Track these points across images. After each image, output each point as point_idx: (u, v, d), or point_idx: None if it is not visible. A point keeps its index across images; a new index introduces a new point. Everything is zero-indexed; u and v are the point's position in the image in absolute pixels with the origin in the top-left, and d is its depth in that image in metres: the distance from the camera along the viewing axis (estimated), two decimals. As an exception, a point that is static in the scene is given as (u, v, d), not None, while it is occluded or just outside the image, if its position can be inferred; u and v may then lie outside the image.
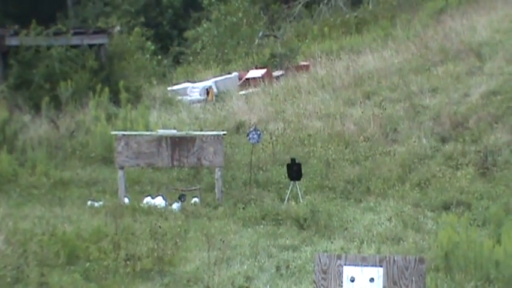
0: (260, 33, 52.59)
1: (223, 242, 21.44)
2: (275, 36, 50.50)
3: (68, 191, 26.83)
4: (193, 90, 42.21)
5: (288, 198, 24.39)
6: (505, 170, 26.23)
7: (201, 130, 29.38)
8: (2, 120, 31.19)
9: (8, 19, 47.88)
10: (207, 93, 41.59)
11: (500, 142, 28.55)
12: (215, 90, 42.01)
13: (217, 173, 25.86)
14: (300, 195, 24.48)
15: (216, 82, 43.33)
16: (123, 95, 37.33)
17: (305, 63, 43.54)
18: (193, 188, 26.29)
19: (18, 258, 18.51)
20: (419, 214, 23.30)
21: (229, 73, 45.55)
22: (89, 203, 25.24)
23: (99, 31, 47.56)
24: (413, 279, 12.06)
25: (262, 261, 19.73)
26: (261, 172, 27.43)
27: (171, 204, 25.14)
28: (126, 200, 25.26)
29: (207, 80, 44.71)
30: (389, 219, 22.82)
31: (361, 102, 35.00)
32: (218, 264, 19.70)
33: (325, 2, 54.09)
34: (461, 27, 39.88)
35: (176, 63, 53.20)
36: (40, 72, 40.37)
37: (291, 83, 39.74)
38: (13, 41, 42.64)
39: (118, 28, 48.08)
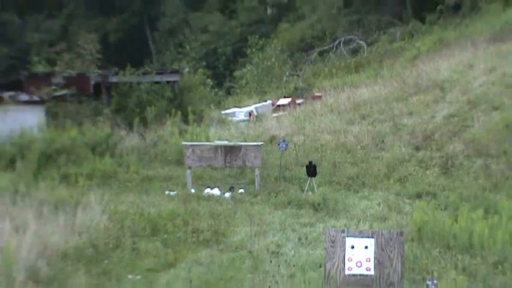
0: (287, 73, 52.62)
1: (261, 220, 21.45)
2: (297, 75, 50.39)
3: (151, 184, 26.89)
4: (240, 113, 42.38)
5: (307, 189, 24.34)
6: (460, 170, 26.22)
7: (245, 141, 29.45)
8: (106, 134, 31.58)
9: (110, 64, 47.81)
10: (250, 115, 41.71)
11: (457, 150, 28.52)
12: (255, 113, 42.11)
13: (257, 172, 25.91)
14: (315, 187, 24.42)
15: (256, 107, 43.43)
16: (191, 117, 37.44)
17: (318, 94, 43.58)
18: (240, 182, 26.36)
19: (117, 231, 18.54)
20: (400, 201, 23.23)
21: (265, 101, 45.71)
22: (167, 192, 25.37)
23: (174, 71, 47.57)
24: (396, 246, 12.06)
25: (288, 234, 19.66)
26: (287, 171, 27.49)
27: (224, 194, 25.17)
28: (193, 190, 25.32)
29: (250, 106, 44.80)
30: (379, 205, 22.77)
31: (358, 122, 35.11)
32: (257, 236, 19.65)
33: (333, 51, 53.91)
34: (429, 69, 39.88)
35: (228, 94, 53.22)
36: (133, 100, 40.59)
37: (309, 108, 39.87)
38: (114, 79, 42.98)
39: (187, 69, 48.30)
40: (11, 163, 25.75)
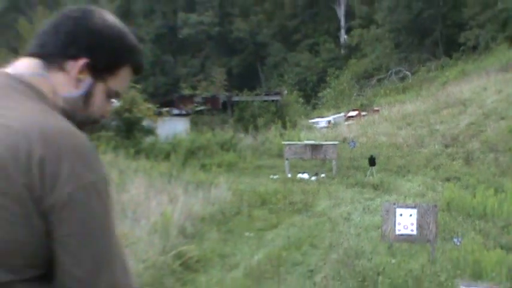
0: (355, 94, 52.45)
1: (336, 196, 21.50)
2: (362, 95, 50.14)
3: (261, 170, 26.97)
4: (321, 122, 42.34)
5: (368, 175, 24.26)
6: (477, 162, 26.13)
7: (325, 141, 29.31)
8: (230, 136, 31.94)
9: (233, 88, 48.15)
10: (328, 123, 41.64)
11: (475, 148, 28.43)
12: (332, 122, 42.03)
13: (333, 162, 25.83)
14: (374, 173, 24.31)
15: (333, 118, 43.35)
16: (288, 124, 37.58)
17: (377, 108, 43.28)
18: (322, 169, 26.33)
19: (238, 202, 18.63)
20: (434, 183, 23.04)
21: (339, 113, 45.63)
22: (271, 176, 25.22)
23: (276, 93, 47.79)
24: (432, 215, 12.01)
25: (356, 205, 19.62)
26: (355, 162, 27.40)
27: (311, 177, 25.08)
28: (289, 175, 25.22)
29: (328, 117, 44.76)
30: (419, 185, 22.62)
31: (404, 128, 34.92)
32: (334, 206, 19.67)
33: (387, 78, 53.54)
34: (455, 91, 39.53)
35: (313, 108, 53.13)
36: (248, 113, 40.86)
37: (370, 118, 39.71)
38: (235, 98, 43.43)
39: (285, 92, 48.48)
40: (167, 156, 26.20)
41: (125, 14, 64.92)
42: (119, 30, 2.12)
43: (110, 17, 2.14)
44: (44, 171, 1.79)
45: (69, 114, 2.00)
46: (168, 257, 12.13)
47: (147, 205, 14.54)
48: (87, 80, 2.06)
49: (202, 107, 40.87)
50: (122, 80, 2.13)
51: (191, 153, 27.27)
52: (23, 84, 1.98)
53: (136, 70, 2.18)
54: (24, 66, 2.05)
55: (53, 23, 2.08)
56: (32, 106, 1.91)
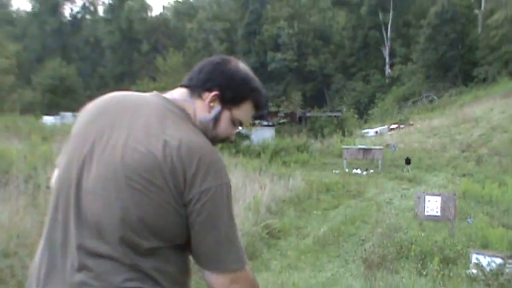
0: (395, 112, 51.88)
1: (381, 186, 21.34)
2: (401, 113, 49.44)
3: (326, 166, 26.85)
4: (371, 132, 42.03)
5: (405, 171, 24.06)
6: (486, 163, 26.01)
7: (374, 146, 29.07)
8: (304, 141, 31.60)
9: (306, 106, 48.06)
10: (376, 133, 41.28)
11: (484, 153, 28.24)
12: (379, 132, 41.68)
13: (379, 162, 25.60)
14: (409, 170, 24.09)
15: (379, 129, 42.99)
16: (346, 133, 37.56)
17: (411, 123, 42.76)
18: (371, 167, 26.12)
19: (309, 189, 18.54)
20: (454, 178, 22.79)
21: (384, 126, 45.24)
22: (333, 171, 25.04)
23: (338, 110, 47.56)
24: (452, 201, 11.78)
25: (395, 193, 19.42)
26: (395, 162, 27.14)
27: (362, 172, 24.93)
28: (346, 170, 25.09)
29: (376, 128, 44.36)
30: (442, 179, 22.41)
31: (432, 137, 34.57)
32: (379, 194, 19.52)
33: (420, 101, 52.91)
34: (470, 111, 39.07)
35: (365, 122, 52.75)
36: (317, 125, 40.67)
37: (407, 130, 39.34)
38: (308, 114, 43.08)
39: (344, 109, 48.17)
40: (258, 155, 26.29)
41: (230, 53, 65.40)
42: (246, 76, 2.19)
43: (242, 65, 2.21)
44: (186, 176, 1.91)
45: (203, 132, 2.09)
46: (258, 227, 12.20)
47: (244, 190, 14.62)
48: (217, 107, 2.14)
49: (284, 120, 40.94)
50: (244, 112, 2.20)
51: (275, 153, 27.34)
52: (177, 108, 2.09)
53: (256, 107, 2.24)
54: (178, 93, 2.17)
55: (200, 65, 2.20)
56: (183, 126, 2.02)
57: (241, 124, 2.24)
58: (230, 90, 2.14)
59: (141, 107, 2.07)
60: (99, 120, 2.07)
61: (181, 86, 2.21)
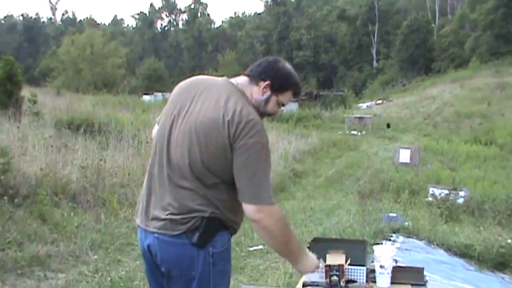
0: (380, 92, 50.13)
1: (371, 142, 21.06)
2: (384, 93, 47.77)
3: (333, 129, 25.85)
4: (363, 106, 40.11)
5: (386, 132, 23.76)
6: (439, 127, 26.14)
7: (366, 115, 27.72)
8: (318, 112, 30.15)
9: (320, 88, 47.12)
10: (367, 106, 39.13)
11: (438, 120, 27.78)
12: (369, 105, 39.79)
13: (369, 126, 24.90)
14: (389, 132, 23.67)
15: (369, 104, 40.64)
16: (347, 106, 36.09)
17: (391, 99, 40.75)
18: (363, 129, 25.61)
19: (321, 144, 18.36)
20: (419, 137, 22.56)
21: (372, 101, 43.38)
22: (338, 132, 24.26)
23: (341, 91, 46.28)
24: (417, 153, 11.66)
25: (380, 147, 19.29)
26: (380, 126, 26.47)
27: (358, 133, 24.34)
28: (347, 132, 24.48)
29: (367, 103, 42.54)
30: (411, 138, 22.28)
31: (404, 109, 33.74)
32: (369, 148, 19.34)
33: (397, 85, 51.70)
34: (429, 91, 38.10)
35: (359, 99, 51.32)
36: (327, 101, 39.49)
37: (387, 104, 37.76)
38: (320, 93, 41.70)
39: (345, 90, 46.42)
40: (287, 121, 25.23)
41: (267, 52, 65.02)
42: (289, 72, 2.16)
43: (287, 65, 2.19)
44: (235, 132, 1.92)
45: (256, 108, 2.10)
46: (287, 170, 12.38)
47: (277, 144, 14.70)
48: (268, 92, 2.11)
49: (304, 97, 40.12)
50: (286, 97, 2.13)
51: (298, 120, 26.66)
52: (239, 90, 2.10)
53: (295, 94, 2.20)
54: (241, 79, 2.16)
55: (259, 61, 2.19)
56: (241, 102, 2.03)
57: (283, 105, 2.21)
58: (278, 82, 2.12)
59: (213, 86, 2.09)
60: (184, 93, 2.12)
61: (243, 74, 2.18)
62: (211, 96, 2.03)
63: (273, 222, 1.95)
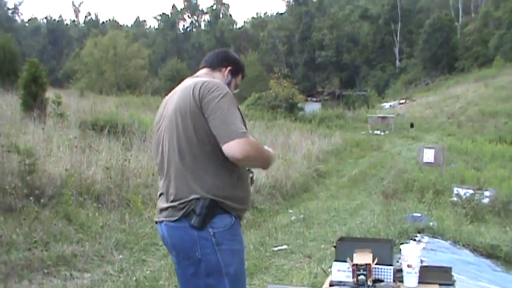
0: (403, 91, 49.78)
1: (394, 142, 20.95)
2: (407, 92, 47.29)
3: (356, 129, 26.00)
4: (387, 105, 40.14)
5: (410, 132, 23.58)
6: (463, 126, 25.95)
7: (389, 114, 27.78)
8: (341, 112, 29.96)
9: (343, 88, 46.94)
10: (390, 106, 39.28)
11: (462, 119, 27.50)
12: (392, 105, 39.84)
13: (392, 126, 24.72)
14: (413, 131, 23.56)
15: (393, 103, 40.70)
16: (370, 106, 36.20)
17: (414, 99, 40.43)
18: (386, 130, 25.40)
19: (345, 144, 18.36)
20: (443, 136, 22.34)
21: (395, 101, 43.24)
22: (361, 132, 24.31)
23: (364, 90, 46.48)
24: (441, 152, 11.52)
25: (403, 147, 19.17)
26: (403, 125, 26.29)
27: (381, 133, 24.20)
28: (370, 132, 24.39)
29: (390, 102, 42.47)
30: (435, 138, 22.06)
31: (428, 109, 33.43)
32: (392, 147, 19.22)
33: (420, 84, 51.12)
34: (453, 91, 37.56)
35: (382, 98, 51.13)
36: (350, 100, 39.55)
37: (410, 104, 37.52)
38: (343, 93, 41.92)
39: (368, 90, 46.44)
40: (310, 121, 25.60)
41: (290, 52, 65.11)
42: (239, 59, 2.59)
43: (234, 53, 2.61)
44: (203, 95, 2.19)
45: None
46: (310, 170, 12.36)
47: (300, 144, 14.72)
48: (229, 76, 2.48)
49: (327, 97, 40.20)
50: (239, 79, 2.54)
51: (321, 120, 26.80)
52: (202, 77, 2.39)
53: (243, 77, 2.58)
54: (201, 72, 2.50)
55: (213, 53, 2.55)
56: (205, 79, 2.32)
57: (238, 86, 2.55)
58: (235, 67, 2.50)
59: (180, 86, 2.38)
60: (170, 94, 2.44)
61: (201, 68, 2.50)
62: (179, 91, 2.34)
63: (250, 148, 2.12)
